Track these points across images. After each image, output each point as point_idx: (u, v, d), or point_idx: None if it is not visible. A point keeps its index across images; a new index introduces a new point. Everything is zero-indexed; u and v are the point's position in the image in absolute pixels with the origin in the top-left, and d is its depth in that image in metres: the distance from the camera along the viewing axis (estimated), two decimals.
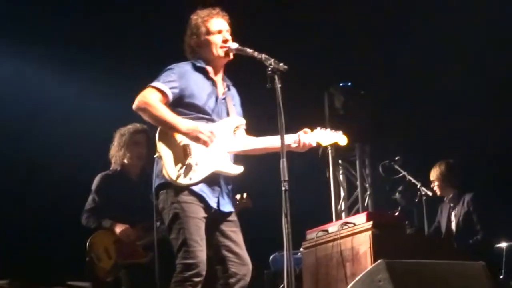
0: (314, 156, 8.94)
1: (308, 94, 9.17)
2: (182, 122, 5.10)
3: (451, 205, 8.00)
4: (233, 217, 5.35)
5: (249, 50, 5.27)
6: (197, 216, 5.10)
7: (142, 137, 7.14)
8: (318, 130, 5.53)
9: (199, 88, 5.28)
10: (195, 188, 5.11)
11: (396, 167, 7.77)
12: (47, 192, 8.85)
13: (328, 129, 5.61)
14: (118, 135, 7.25)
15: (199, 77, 5.32)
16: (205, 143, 5.11)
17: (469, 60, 8.74)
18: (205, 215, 5.14)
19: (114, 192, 7.12)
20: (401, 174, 7.83)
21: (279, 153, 4.92)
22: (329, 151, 9.42)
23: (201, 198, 5.14)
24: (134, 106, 5.15)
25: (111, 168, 7.28)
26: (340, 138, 5.68)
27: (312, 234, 7.31)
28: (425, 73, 9.16)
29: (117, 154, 7.21)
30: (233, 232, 5.30)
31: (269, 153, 5.39)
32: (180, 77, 5.23)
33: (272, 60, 5.06)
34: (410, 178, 7.74)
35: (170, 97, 5.17)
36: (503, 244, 7.52)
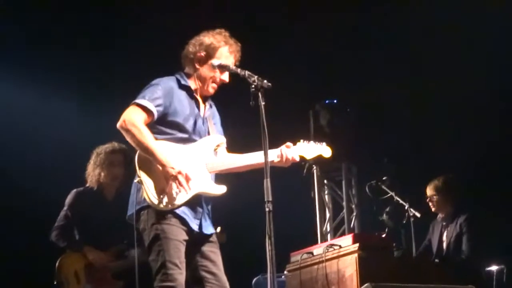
0: (298, 176, 8.85)
1: (293, 112, 9.08)
2: (161, 154, 4.97)
3: (444, 223, 7.88)
4: (214, 238, 5.28)
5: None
6: (178, 239, 5.01)
7: (118, 157, 7.10)
8: (301, 143, 5.46)
9: (183, 106, 5.20)
10: (177, 210, 5.03)
11: (384, 187, 7.64)
12: (13, 207, 8.62)
13: (312, 142, 5.53)
14: (95, 153, 7.19)
15: (183, 95, 5.23)
16: (175, 183, 4.98)
17: (460, 76, 8.66)
18: (186, 238, 5.06)
19: (87, 210, 7.03)
20: (388, 195, 7.70)
21: (262, 171, 4.81)
22: (314, 170, 9.30)
23: (183, 221, 5.06)
24: (118, 125, 5.03)
25: (86, 186, 7.19)
26: (324, 150, 5.61)
27: (297, 257, 7.21)
28: (414, 91, 9.07)
29: (93, 173, 7.13)
30: (213, 252, 5.23)
31: (253, 170, 5.29)
32: (165, 94, 5.13)
33: (256, 77, 4.95)
34: (398, 199, 7.61)
35: (155, 115, 5.08)
36: (494, 268, 7.40)
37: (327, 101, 9.03)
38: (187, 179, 4.99)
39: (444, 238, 7.81)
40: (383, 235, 7.25)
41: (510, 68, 8.40)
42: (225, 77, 5.30)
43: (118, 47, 8.95)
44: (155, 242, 4.99)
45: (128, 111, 5.05)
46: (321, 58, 9.16)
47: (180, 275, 4.96)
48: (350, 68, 9.07)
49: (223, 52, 5.27)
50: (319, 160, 8.77)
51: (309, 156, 5.52)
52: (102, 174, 7.09)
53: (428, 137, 8.59)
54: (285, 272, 7.39)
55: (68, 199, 7.14)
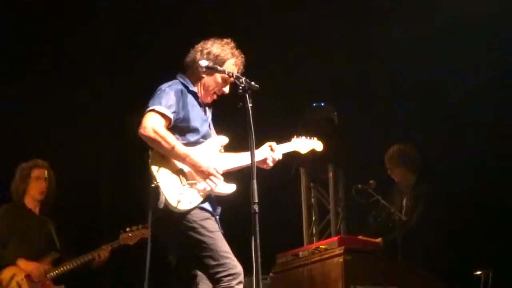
0: (285, 177, 8.84)
1: (281, 115, 9.06)
2: (199, 158, 5.08)
3: (405, 190, 7.87)
4: None
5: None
6: (217, 230, 5.13)
7: (42, 172, 7.34)
8: (295, 139, 5.69)
9: (197, 112, 5.27)
10: (204, 205, 5.11)
11: (370, 190, 7.63)
12: None
13: (303, 137, 5.74)
14: (19, 169, 7.41)
15: (192, 100, 5.27)
16: (213, 185, 5.11)
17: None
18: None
19: (15, 224, 7.23)
20: (374, 198, 7.69)
21: (247, 171, 4.90)
22: (301, 172, 9.30)
23: (212, 213, 5.15)
24: (141, 132, 5.03)
25: (12, 201, 7.38)
26: (316, 144, 5.83)
27: (282, 259, 7.21)
28: (402, 94, 9.08)
29: (18, 188, 7.35)
30: None
31: (239, 171, 5.37)
32: (177, 100, 5.16)
33: (243, 78, 4.96)
34: (384, 202, 7.60)
35: (172, 121, 5.12)
36: (480, 272, 7.40)
37: (314, 104, 9.02)
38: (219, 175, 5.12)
39: (404, 204, 7.80)
40: (369, 239, 7.30)
41: None
42: (227, 89, 5.35)
43: None
44: (200, 239, 5.02)
45: (149, 118, 5.05)
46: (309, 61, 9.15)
47: (235, 261, 5.04)
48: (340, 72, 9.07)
49: (229, 64, 5.29)
50: (306, 162, 8.94)
51: (303, 150, 5.72)
52: (28, 189, 7.30)
53: (418, 138, 8.56)
54: (270, 274, 7.39)
55: None
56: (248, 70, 5.30)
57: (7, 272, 7.01)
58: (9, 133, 8.48)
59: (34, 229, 7.27)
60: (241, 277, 5.02)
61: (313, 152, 8.53)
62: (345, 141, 9.00)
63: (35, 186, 7.30)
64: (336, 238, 7.16)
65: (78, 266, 7.11)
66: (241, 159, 5.30)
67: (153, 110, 5.06)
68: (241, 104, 4.87)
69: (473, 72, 8.40)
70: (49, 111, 8.77)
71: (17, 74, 8.71)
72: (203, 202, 5.10)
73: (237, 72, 5.24)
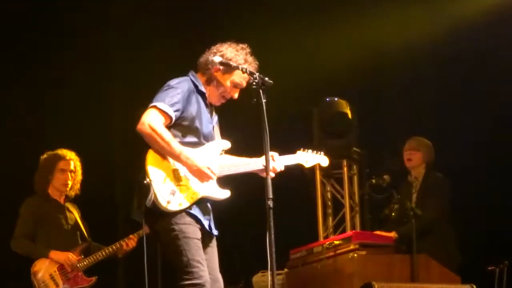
0: (300, 172, 8.84)
1: (295, 110, 9.06)
2: (193, 157, 5.04)
3: (414, 184, 7.90)
4: (213, 243, 5.32)
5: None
6: (196, 237, 5.07)
7: (68, 164, 7.26)
8: (300, 152, 5.58)
9: (203, 112, 5.25)
10: (191, 210, 5.07)
11: (384, 185, 7.61)
12: None
13: (310, 151, 5.63)
14: (44, 160, 7.34)
15: (200, 100, 5.26)
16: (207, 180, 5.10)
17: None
18: (201, 236, 5.11)
19: (42, 216, 7.18)
20: (388, 193, 7.68)
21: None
22: (316, 167, 9.27)
23: (196, 219, 5.09)
24: (139, 127, 5.03)
25: (36, 192, 7.32)
26: (322, 160, 5.70)
27: (297, 254, 7.21)
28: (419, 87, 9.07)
29: (42, 179, 7.29)
30: (211, 247, 5.27)
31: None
32: (183, 98, 5.14)
33: (257, 74, 4.97)
34: (398, 196, 7.58)
35: (173, 120, 5.10)
36: (495, 266, 7.38)
37: (328, 99, 9.01)
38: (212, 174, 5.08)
39: (415, 198, 7.79)
40: (385, 234, 7.29)
41: None
42: (236, 94, 5.33)
43: None
44: (175, 242, 5.00)
45: (148, 114, 5.05)
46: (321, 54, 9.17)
47: (205, 271, 5.00)
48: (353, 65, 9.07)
49: (240, 73, 5.25)
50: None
51: (307, 164, 5.62)
52: (53, 180, 7.25)
53: (431, 132, 8.54)
54: (285, 269, 7.39)
55: (23, 207, 7.24)
56: (261, 64, 5.26)
57: (40, 265, 6.96)
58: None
59: (61, 219, 7.21)
60: None
61: (327, 146, 8.69)
62: (359, 136, 8.98)
63: (59, 178, 7.23)
64: (350, 233, 7.16)
65: (108, 256, 7.09)
66: (242, 166, 5.31)
67: (155, 106, 5.06)
68: (255, 100, 4.87)
69: None
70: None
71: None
72: (192, 205, 5.07)
73: (247, 80, 5.20)
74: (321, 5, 9.09)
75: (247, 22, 8.97)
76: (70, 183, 7.26)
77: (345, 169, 9.23)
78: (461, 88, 8.83)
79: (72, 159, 7.30)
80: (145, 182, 4.99)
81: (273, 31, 9.06)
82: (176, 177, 5.05)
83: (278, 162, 5.30)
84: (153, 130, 4.98)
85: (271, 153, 5.13)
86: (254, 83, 4.92)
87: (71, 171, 7.27)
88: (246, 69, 5.08)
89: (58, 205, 7.26)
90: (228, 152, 5.36)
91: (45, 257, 6.98)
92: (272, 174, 5.17)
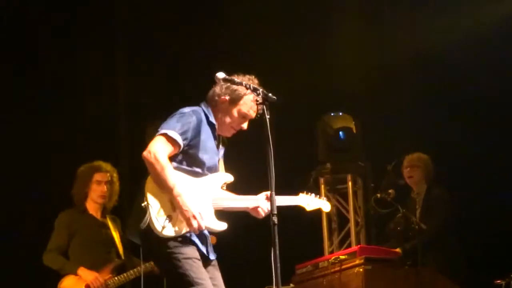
0: (304, 187, 8.83)
1: (300, 124, 9.07)
2: (182, 195, 4.98)
3: (417, 200, 7.96)
4: (214, 261, 5.32)
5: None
6: (197, 257, 5.06)
7: (104, 175, 7.21)
8: (303, 195, 5.62)
9: (211, 144, 5.25)
10: (187, 235, 5.05)
11: (389, 199, 7.62)
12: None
13: (313, 195, 5.66)
14: (80, 173, 7.29)
15: (209, 132, 5.25)
16: (189, 227, 5.01)
17: None
18: (200, 258, 5.10)
19: (76, 231, 7.12)
20: (393, 207, 7.69)
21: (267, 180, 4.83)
22: (320, 182, 9.26)
23: (194, 244, 5.10)
24: (145, 155, 5.00)
25: (74, 205, 7.27)
26: (324, 205, 5.74)
27: (302, 269, 7.20)
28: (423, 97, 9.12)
29: (79, 192, 7.23)
30: (213, 267, 5.27)
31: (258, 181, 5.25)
32: (194, 127, 5.13)
33: (261, 90, 4.95)
34: (403, 211, 7.59)
35: (181, 148, 5.10)
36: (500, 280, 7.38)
37: (332, 114, 9.02)
38: (200, 219, 5.01)
39: (418, 213, 7.83)
40: (391, 249, 7.28)
41: None
42: (245, 125, 5.32)
43: None
44: (176, 265, 4.99)
45: (157, 142, 5.03)
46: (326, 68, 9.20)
47: (211, 286, 5.01)
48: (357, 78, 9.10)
49: (247, 100, 5.26)
50: (324, 171, 8.94)
51: (308, 208, 5.65)
52: (90, 192, 7.21)
53: (433, 145, 8.56)
54: (291, 284, 7.38)
55: (58, 220, 7.20)
56: (263, 80, 5.27)
57: (66, 281, 6.92)
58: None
59: (96, 235, 7.11)
60: None
61: (332, 161, 8.70)
62: (364, 150, 8.99)
63: (96, 190, 7.18)
64: (355, 248, 7.14)
65: (141, 274, 6.75)
66: (239, 202, 5.31)
67: (165, 134, 5.04)
68: (259, 115, 4.90)
69: None
70: None
71: None
72: (189, 232, 5.04)
73: (255, 110, 5.22)
74: (325, 18, 9.14)
75: (247, 35, 9.02)
76: (107, 195, 7.20)
77: (350, 183, 9.22)
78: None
79: (109, 171, 7.24)
80: (142, 205, 4.98)
81: (276, 45, 9.10)
82: (173, 205, 5.01)
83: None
84: (157, 159, 4.96)
85: (267, 193, 5.17)
86: (258, 99, 4.92)
87: (107, 182, 7.21)
88: (249, 86, 5.04)
89: (94, 220, 7.19)
90: (230, 185, 5.35)
91: (73, 274, 6.92)
92: (262, 214, 5.27)
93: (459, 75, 8.79)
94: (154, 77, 9.21)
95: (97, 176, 7.20)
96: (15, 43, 8.73)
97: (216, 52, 8.68)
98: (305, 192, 5.61)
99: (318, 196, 5.69)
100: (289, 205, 5.46)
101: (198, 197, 5.10)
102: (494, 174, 8.61)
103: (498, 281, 7.39)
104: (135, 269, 6.96)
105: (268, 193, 5.06)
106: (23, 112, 8.63)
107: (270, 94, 4.92)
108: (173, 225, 4.99)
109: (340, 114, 8.98)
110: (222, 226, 5.20)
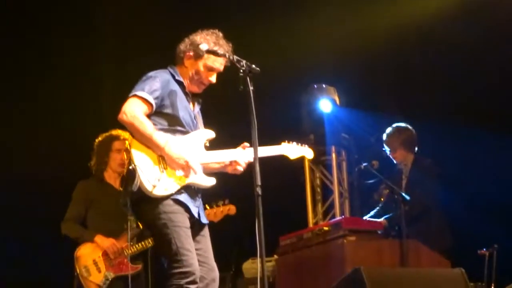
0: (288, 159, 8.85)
1: (284, 96, 9.06)
2: (171, 146, 5.04)
3: (403, 170, 7.91)
4: (205, 232, 5.35)
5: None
6: (185, 225, 5.09)
7: (123, 143, 7.12)
8: (286, 144, 5.62)
9: (181, 100, 5.26)
10: (179, 197, 5.09)
11: (373, 170, 7.62)
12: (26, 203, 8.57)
13: (294, 143, 5.67)
14: (99, 143, 7.25)
15: (178, 89, 5.28)
16: (185, 175, 5.08)
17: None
18: (189, 225, 5.12)
19: (93, 200, 7.08)
20: (377, 178, 7.70)
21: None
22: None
23: (185, 207, 5.12)
24: (120, 117, 5.06)
25: (92, 175, 7.24)
26: (307, 152, 5.75)
27: (286, 241, 7.21)
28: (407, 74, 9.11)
29: (99, 162, 7.20)
30: (203, 237, 5.30)
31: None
32: (163, 86, 5.18)
33: (244, 61, 4.97)
34: (387, 182, 7.60)
35: (154, 107, 5.13)
36: (485, 250, 7.42)
37: (316, 85, 9.01)
38: (194, 167, 5.06)
39: (404, 184, 7.81)
40: (372, 219, 7.30)
41: None
42: (213, 78, 5.33)
43: None
44: (163, 231, 5.02)
45: (129, 103, 5.09)
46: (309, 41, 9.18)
47: (194, 259, 5.03)
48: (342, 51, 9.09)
49: (214, 57, 5.26)
50: (308, 143, 8.93)
51: (292, 156, 5.66)
52: (109, 161, 7.18)
53: (417, 119, 8.57)
54: (275, 256, 7.39)
55: (76, 191, 7.17)
56: (247, 51, 5.27)
57: (84, 249, 6.87)
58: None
59: (114, 205, 6.73)
60: (194, 277, 5.00)
61: (316, 132, 8.69)
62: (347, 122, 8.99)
63: (116, 158, 7.14)
64: (340, 219, 7.16)
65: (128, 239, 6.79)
66: (220, 156, 5.31)
67: (135, 95, 5.09)
68: (242, 87, 4.87)
69: None
70: None
71: None
72: (180, 192, 5.08)
73: (222, 63, 5.25)
74: None
75: (234, 8, 8.96)
76: (126, 162, 7.13)
77: (334, 155, 9.24)
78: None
79: (127, 139, 7.00)
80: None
81: (261, 18, 9.05)
82: (161, 163, 5.06)
83: (247, 154, 5.27)
84: (135, 119, 5.01)
85: (245, 144, 5.21)
86: (241, 71, 4.91)
87: (126, 150, 7.01)
88: (233, 57, 5.05)
89: (112, 189, 7.13)
90: (212, 141, 5.36)
91: (90, 242, 6.88)
92: (240, 168, 5.27)
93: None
94: None
95: (116, 145, 7.17)
96: None
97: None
98: (286, 141, 5.61)
99: (300, 144, 5.68)
100: (273, 156, 5.46)
101: (187, 151, 5.12)
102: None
103: (482, 251, 7.45)
104: (151, 239, 6.81)
105: (246, 144, 5.20)
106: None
107: (253, 66, 4.92)
108: (163, 185, 5.02)
109: (324, 86, 8.97)
110: (211, 181, 5.23)
